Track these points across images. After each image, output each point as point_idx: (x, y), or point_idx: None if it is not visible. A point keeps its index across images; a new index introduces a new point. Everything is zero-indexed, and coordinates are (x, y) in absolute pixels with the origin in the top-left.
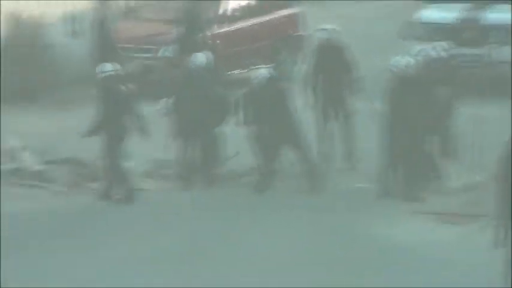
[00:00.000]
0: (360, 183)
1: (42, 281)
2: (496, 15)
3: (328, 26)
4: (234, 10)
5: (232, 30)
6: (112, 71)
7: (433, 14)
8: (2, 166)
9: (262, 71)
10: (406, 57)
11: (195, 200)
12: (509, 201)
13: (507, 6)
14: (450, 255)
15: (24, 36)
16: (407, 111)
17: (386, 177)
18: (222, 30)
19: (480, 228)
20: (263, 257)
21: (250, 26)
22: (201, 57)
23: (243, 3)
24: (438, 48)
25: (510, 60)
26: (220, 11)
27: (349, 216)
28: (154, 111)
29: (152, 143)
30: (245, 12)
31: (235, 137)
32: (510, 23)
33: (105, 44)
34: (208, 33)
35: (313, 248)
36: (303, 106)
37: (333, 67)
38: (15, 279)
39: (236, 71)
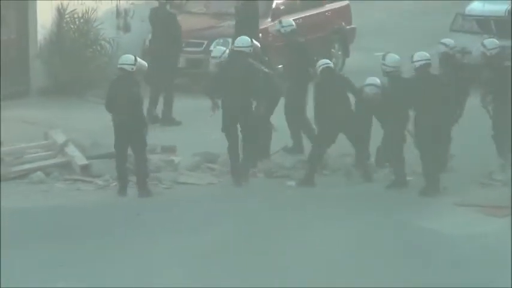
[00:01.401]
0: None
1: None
2: None
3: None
4: (288, 3)
5: None
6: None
7: (482, 6)
8: (49, 161)
9: (323, 61)
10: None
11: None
12: None
13: None
14: (493, 247)
15: (73, 31)
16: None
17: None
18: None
19: None
20: (312, 253)
21: (303, 18)
22: (244, 40)
23: None
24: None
25: None
26: (274, 5)
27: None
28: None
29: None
30: (298, 5)
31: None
32: None
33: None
34: (263, 27)
35: (361, 241)
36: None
37: None
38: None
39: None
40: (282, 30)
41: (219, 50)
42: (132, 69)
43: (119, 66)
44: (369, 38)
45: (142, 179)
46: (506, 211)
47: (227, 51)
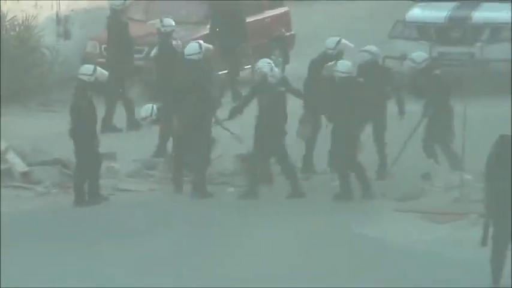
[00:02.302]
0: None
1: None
2: (484, 14)
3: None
4: None
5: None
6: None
7: (421, 13)
8: None
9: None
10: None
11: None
12: (498, 200)
13: (495, 5)
14: (437, 252)
15: (13, 38)
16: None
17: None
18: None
19: (466, 226)
20: (250, 257)
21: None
22: (194, 47)
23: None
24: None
25: (499, 59)
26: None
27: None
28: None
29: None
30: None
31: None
32: (499, 21)
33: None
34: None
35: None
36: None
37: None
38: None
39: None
40: (162, 29)
41: (146, 109)
42: (90, 79)
43: (78, 76)
44: (309, 44)
45: (95, 186)
46: (448, 217)
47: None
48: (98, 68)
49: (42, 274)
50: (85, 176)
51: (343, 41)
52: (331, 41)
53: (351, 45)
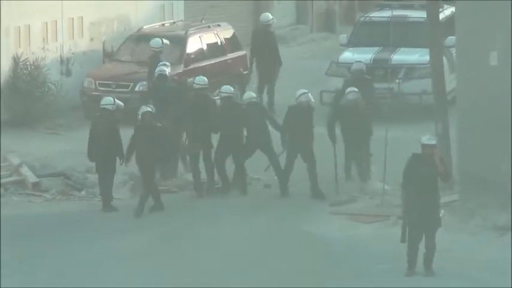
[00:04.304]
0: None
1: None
2: (401, 56)
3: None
4: (197, 52)
5: (196, 68)
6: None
7: (351, 55)
8: (7, 179)
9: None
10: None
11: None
12: (411, 204)
13: (409, 50)
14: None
15: (26, 75)
16: None
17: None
18: (187, 68)
19: (387, 226)
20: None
21: (209, 65)
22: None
23: (204, 46)
24: None
25: (413, 92)
26: (185, 53)
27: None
28: None
29: None
30: (205, 54)
31: None
32: (412, 63)
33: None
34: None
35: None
36: None
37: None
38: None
39: None
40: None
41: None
42: (113, 108)
43: (102, 106)
44: None
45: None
46: (371, 218)
47: None
48: (116, 100)
49: (48, 261)
50: (108, 186)
51: None
52: None
53: None
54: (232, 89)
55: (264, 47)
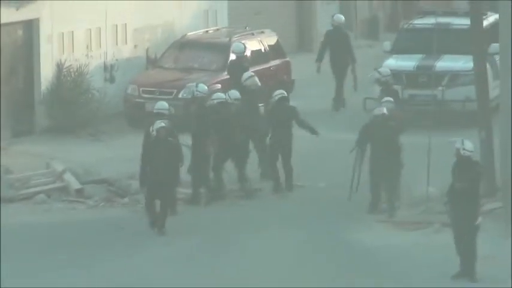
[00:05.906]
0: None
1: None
2: (445, 63)
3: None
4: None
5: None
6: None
7: (394, 62)
8: (50, 185)
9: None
10: None
11: None
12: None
13: (453, 57)
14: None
15: (69, 82)
16: None
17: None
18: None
19: (431, 233)
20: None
21: (254, 72)
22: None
23: (248, 53)
24: None
25: (457, 99)
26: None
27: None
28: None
29: None
30: (249, 61)
31: None
32: (456, 70)
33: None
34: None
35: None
36: None
37: None
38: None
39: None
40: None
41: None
42: (169, 112)
43: (155, 111)
44: (305, 88)
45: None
46: (415, 226)
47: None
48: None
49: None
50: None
51: None
52: None
53: None
54: (223, 95)
55: (337, 47)
